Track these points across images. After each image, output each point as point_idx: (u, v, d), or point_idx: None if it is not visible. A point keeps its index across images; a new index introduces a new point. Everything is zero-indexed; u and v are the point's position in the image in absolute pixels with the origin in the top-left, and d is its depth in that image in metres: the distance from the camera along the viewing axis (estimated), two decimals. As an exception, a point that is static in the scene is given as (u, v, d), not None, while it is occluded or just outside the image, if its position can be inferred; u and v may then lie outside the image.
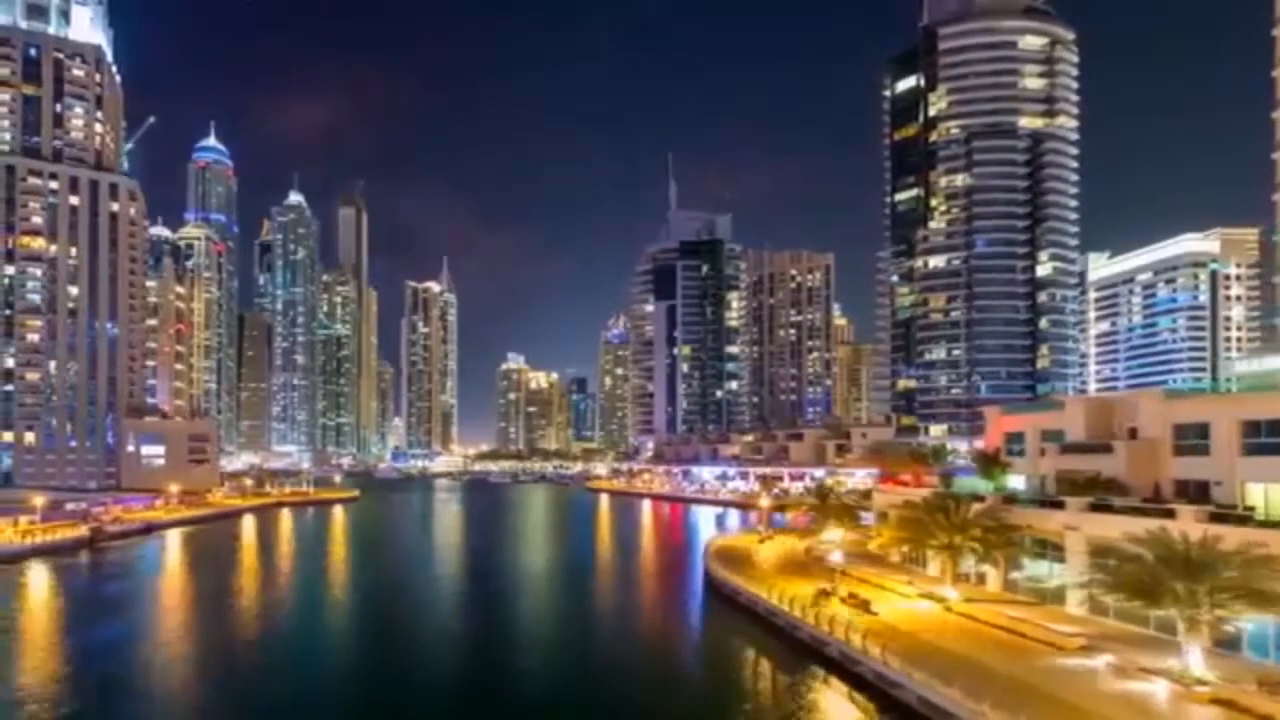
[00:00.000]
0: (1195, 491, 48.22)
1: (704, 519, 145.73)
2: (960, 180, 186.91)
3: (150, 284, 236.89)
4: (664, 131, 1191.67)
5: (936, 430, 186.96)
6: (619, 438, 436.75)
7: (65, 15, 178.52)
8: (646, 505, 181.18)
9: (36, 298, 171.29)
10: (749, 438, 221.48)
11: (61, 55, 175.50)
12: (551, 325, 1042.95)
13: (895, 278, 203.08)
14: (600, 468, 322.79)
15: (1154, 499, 49.21)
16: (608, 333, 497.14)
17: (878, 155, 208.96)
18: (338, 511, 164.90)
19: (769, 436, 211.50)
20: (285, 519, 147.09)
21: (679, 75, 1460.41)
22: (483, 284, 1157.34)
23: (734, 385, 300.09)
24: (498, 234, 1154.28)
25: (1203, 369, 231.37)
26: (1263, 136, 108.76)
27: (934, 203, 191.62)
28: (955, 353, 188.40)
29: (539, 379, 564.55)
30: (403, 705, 40.82)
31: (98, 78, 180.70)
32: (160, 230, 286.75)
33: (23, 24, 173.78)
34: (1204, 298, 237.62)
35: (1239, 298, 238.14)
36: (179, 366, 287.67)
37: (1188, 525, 39.91)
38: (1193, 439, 49.07)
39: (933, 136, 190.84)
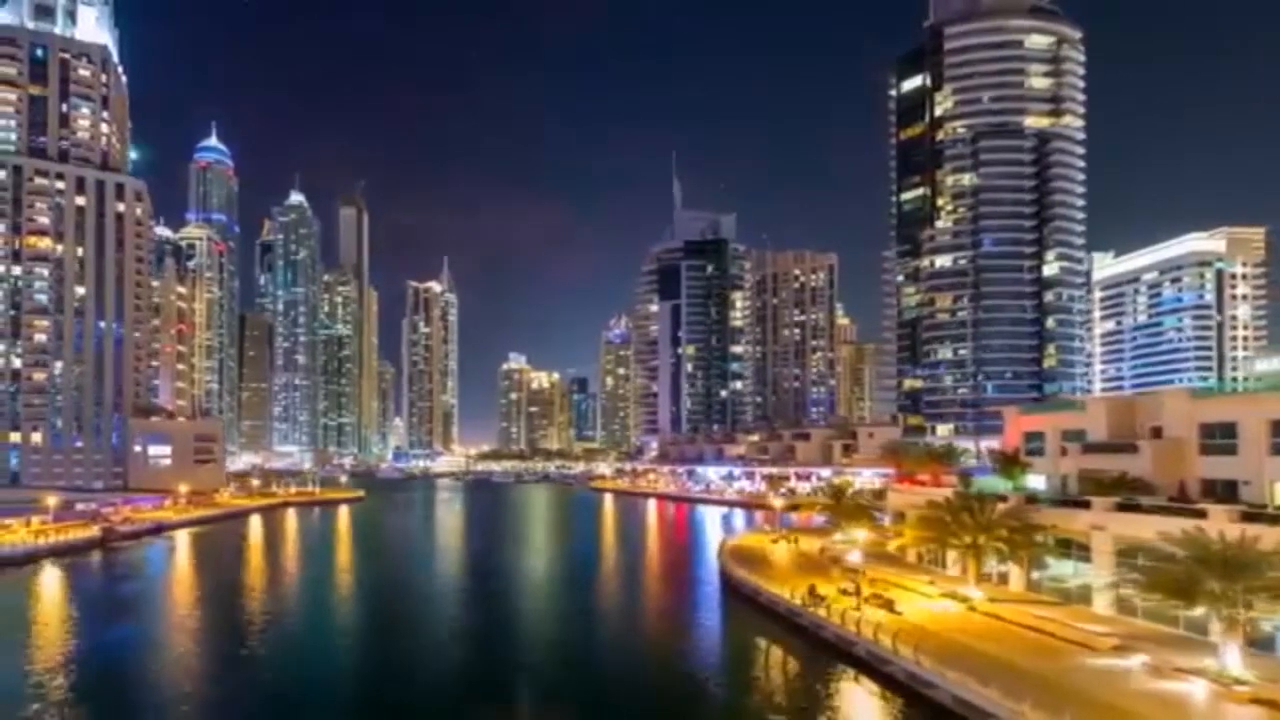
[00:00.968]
0: (1223, 491, 48.16)
1: (711, 519, 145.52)
2: (967, 180, 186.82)
3: (153, 284, 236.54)
4: (666, 132, 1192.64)
5: (943, 430, 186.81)
6: (620, 438, 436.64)
7: (71, 15, 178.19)
8: (652, 505, 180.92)
9: (43, 298, 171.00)
10: (754, 437, 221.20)
11: (68, 55, 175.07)
12: (552, 325, 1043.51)
13: (901, 277, 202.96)
14: (602, 468, 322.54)
15: (1180, 498, 49.12)
16: (609, 333, 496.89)
17: (882, 155, 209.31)
18: (344, 511, 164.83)
19: (775, 436, 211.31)
20: (292, 519, 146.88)
21: (681, 75, 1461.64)
22: (483, 284, 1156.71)
23: (738, 385, 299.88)
24: (499, 234, 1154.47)
25: (1209, 369, 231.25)
26: (1268, 136, 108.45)
27: (940, 202, 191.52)
28: (962, 352, 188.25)
29: (540, 379, 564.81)
30: (435, 706, 40.87)
31: (104, 78, 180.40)
32: (162, 230, 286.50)
33: (29, 24, 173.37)
34: (1210, 297, 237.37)
35: (1245, 297, 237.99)
36: (180, 367, 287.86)
37: (1220, 525, 39.78)
38: (1220, 438, 49.01)
39: (939, 136, 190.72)
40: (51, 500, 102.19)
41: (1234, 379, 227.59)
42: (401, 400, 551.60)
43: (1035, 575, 55.20)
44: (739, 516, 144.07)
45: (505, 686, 43.74)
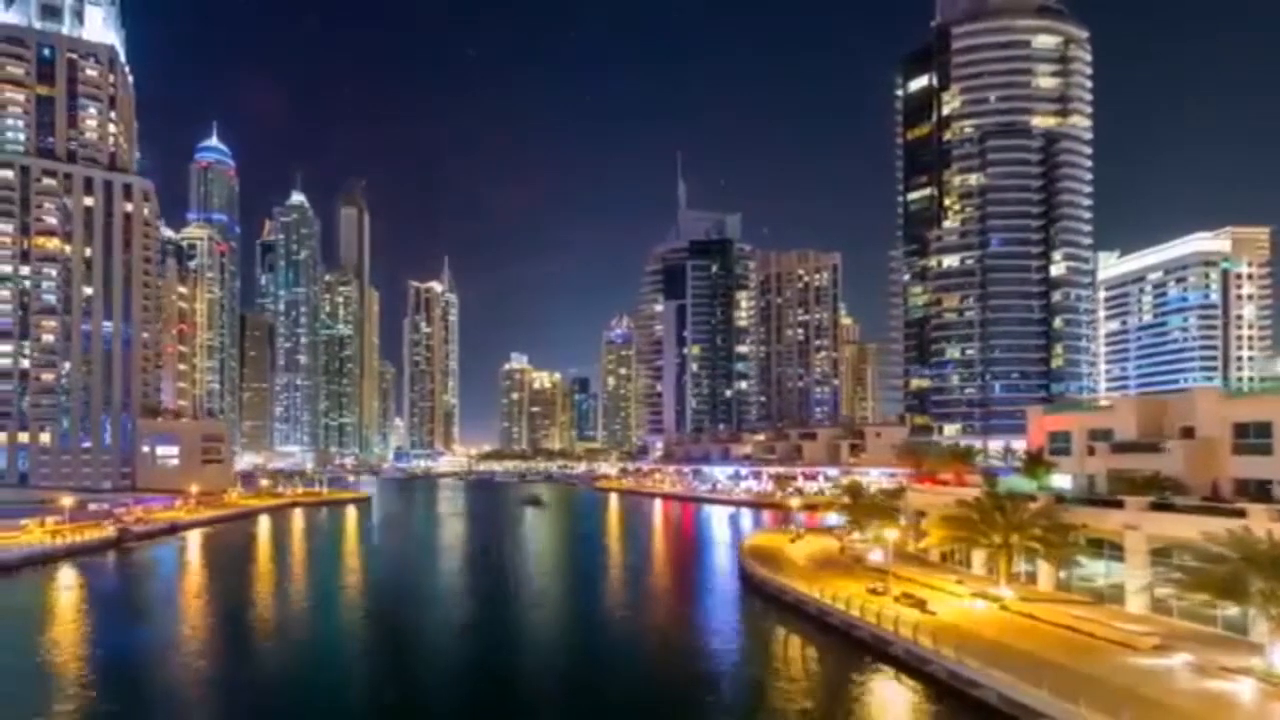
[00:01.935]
0: (1256, 491, 48.18)
1: (718, 518, 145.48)
2: (974, 179, 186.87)
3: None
4: (667, 132, 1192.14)
5: (950, 430, 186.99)
6: (622, 438, 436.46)
7: (79, 15, 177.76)
8: (658, 505, 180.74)
9: (51, 298, 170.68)
10: (761, 437, 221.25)
11: (75, 55, 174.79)
12: (553, 325, 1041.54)
13: (908, 277, 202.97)
14: (604, 467, 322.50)
15: (1213, 498, 49.16)
16: (610, 333, 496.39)
17: (887, 155, 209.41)
18: (350, 511, 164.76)
19: (782, 436, 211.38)
20: (300, 519, 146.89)
21: (685, 74, 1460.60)
22: (484, 284, 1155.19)
23: (744, 385, 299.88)
24: (500, 234, 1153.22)
25: (1214, 369, 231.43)
26: (1275, 136, 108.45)
27: (947, 202, 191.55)
28: (969, 352, 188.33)
29: (542, 379, 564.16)
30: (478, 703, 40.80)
31: (111, 78, 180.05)
32: (163, 230, 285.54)
33: (37, 24, 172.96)
34: (1215, 297, 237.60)
35: (1250, 297, 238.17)
36: (182, 367, 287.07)
37: (1260, 524, 39.82)
38: (1253, 438, 49.04)
39: (946, 136, 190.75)
40: (67, 501, 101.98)
41: (1239, 379, 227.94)
42: (402, 400, 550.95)
43: (1064, 575, 55.22)
44: (746, 516, 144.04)
45: (532, 690, 43.68)
